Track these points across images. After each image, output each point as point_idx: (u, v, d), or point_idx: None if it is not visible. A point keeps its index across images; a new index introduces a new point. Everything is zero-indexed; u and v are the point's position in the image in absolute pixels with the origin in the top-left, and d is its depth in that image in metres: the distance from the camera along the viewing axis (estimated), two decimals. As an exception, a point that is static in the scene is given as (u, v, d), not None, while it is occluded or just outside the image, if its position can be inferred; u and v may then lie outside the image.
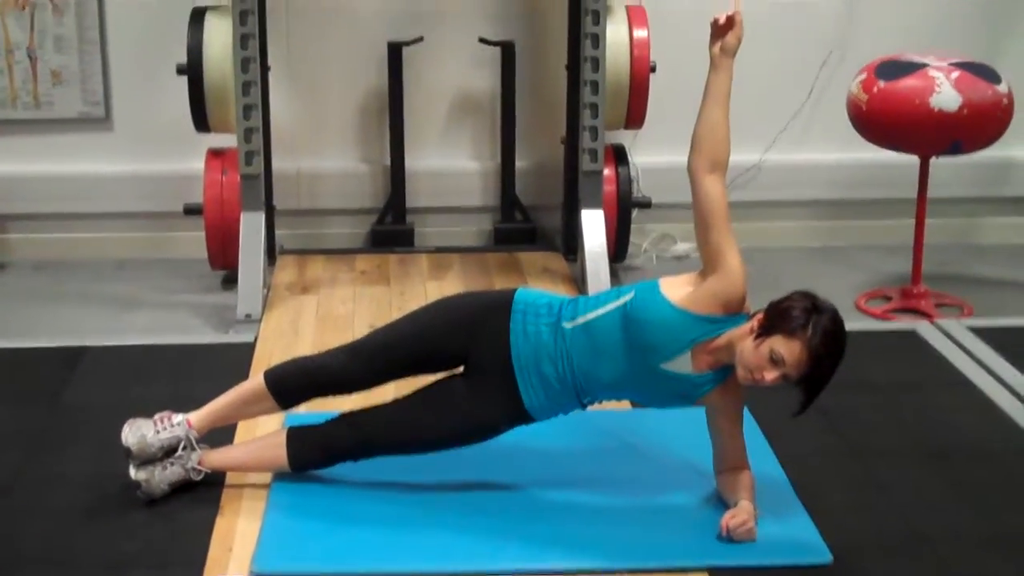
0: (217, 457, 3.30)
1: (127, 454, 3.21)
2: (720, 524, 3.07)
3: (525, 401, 3.19)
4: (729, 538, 3.05)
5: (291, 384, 3.28)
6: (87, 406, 3.82)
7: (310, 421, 3.33)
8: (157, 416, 3.28)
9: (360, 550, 3.03)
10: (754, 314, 3.07)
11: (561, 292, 4.81)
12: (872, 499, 3.34)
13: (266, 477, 3.32)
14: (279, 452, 3.29)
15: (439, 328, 3.27)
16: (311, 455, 3.29)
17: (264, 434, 3.42)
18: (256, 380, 3.31)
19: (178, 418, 3.28)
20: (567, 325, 3.16)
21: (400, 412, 3.27)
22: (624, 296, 3.15)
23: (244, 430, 3.55)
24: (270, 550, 3.02)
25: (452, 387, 3.25)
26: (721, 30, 3.12)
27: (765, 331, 3.00)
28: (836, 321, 3.03)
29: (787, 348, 2.97)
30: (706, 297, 3.07)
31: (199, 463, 3.26)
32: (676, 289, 3.11)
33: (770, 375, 2.99)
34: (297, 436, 3.30)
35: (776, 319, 3.01)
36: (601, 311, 3.15)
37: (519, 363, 3.17)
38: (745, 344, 3.01)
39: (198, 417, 3.29)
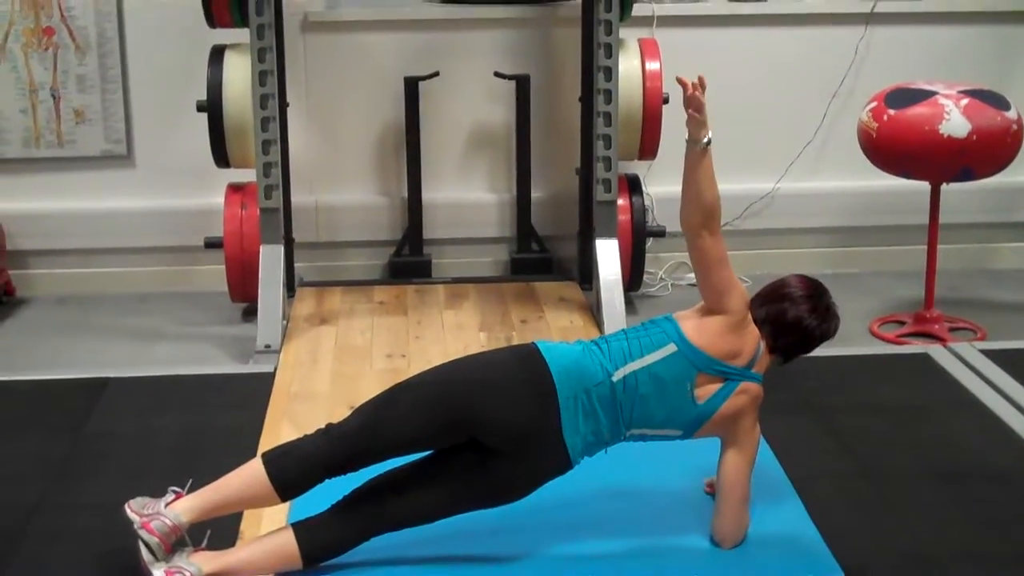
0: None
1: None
2: None
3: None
4: None
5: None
6: (110, 435, 3.87)
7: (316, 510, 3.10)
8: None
9: None
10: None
11: (577, 319, 4.89)
12: (883, 518, 3.36)
13: (284, 506, 3.20)
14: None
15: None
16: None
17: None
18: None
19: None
20: (616, 378, 3.04)
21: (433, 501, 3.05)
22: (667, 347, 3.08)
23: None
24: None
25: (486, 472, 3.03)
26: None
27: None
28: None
29: None
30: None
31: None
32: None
33: None
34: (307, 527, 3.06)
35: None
36: (656, 357, 3.07)
37: (575, 452, 3.04)
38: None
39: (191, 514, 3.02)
